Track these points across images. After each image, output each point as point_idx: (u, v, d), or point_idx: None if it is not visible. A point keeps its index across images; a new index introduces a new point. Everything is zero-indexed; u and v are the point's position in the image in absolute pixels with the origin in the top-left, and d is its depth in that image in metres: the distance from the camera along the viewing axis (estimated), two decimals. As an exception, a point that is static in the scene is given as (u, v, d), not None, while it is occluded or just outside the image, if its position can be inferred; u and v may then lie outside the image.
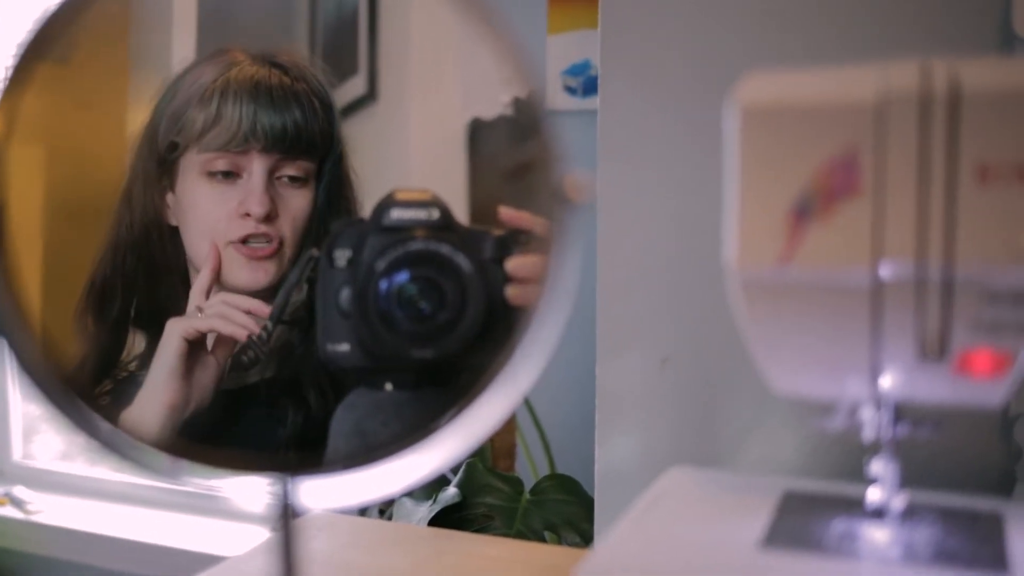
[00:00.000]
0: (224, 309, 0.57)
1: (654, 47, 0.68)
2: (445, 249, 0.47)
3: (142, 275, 0.62)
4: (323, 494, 0.38)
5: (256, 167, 0.59)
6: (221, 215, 0.60)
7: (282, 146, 0.59)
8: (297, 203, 0.60)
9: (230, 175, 0.60)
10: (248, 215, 0.59)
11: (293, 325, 0.56)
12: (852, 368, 0.45)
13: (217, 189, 0.60)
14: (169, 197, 0.61)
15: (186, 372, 0.58)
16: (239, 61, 0.60)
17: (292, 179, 0.60)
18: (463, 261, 0.47)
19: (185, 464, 0.38)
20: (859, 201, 0.42)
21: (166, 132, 0.60)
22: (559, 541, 1.16)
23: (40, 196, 0.55)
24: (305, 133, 0.60)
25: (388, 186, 0.50)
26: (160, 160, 0.61)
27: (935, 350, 0.43)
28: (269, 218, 0.59)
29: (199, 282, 0.59)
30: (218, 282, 0.59)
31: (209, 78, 0.60)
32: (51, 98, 0.46)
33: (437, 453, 0.37)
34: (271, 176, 0.59)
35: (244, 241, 0.59)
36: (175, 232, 0.62)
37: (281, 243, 0.60)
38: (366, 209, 0.59)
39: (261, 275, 0.60)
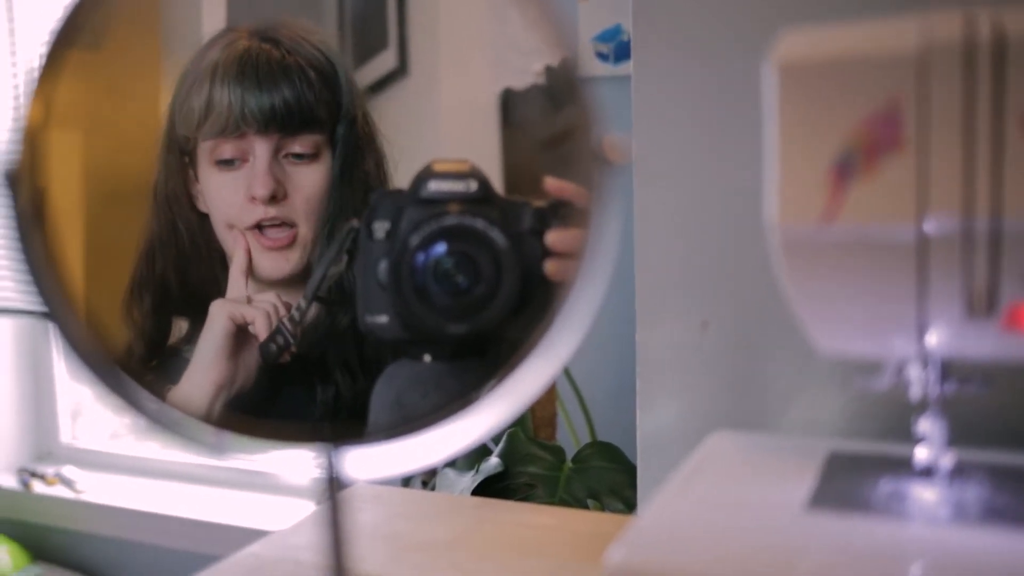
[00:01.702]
0: (272, 311, 0.57)
1: (687, 7, 0.67)
2: (479, 224, 0.47)
3: (174, 267, 0.62)
4: (367, 465, 0.38)
5: (258, 150, 0.58)
6: (234, 202, 0.59)
7: (277, 125, 0.58)
8: (308, 179, 0.59)
9: (237, 161, 0.59)
10: (255, 199, 0.58)
11: (327, 303, 0.56)
12: (898, 326, 0.45)
13: (227, 176, 0.59)
14: (197, 185, 0.61)
15: (232, 352, 0.58)
16: (235, 40, 0.59)
17: (300, 155, 0.59)
18: (497, 236, 0.47)
19: (230, 437, 0.39)
20: (902, 156, 0.41)
21: (178, 124, 0.60)
22: (602, 508, 1.17)
23: (79, 181, 0.55)
24: (299, 109, 0.58)
25: (422, 160, 0.50)
26: (181, 151, 0.61)
27: (983, 305, 0.43)
28: (277, 199, 0.59)
29: (235, 265, 0.59)
30: (251, 269, 0.59)
31: (206, 63, 0.59)
32: (85, 85, 0.46)
33: (478, 422, 0.37)
34: (276, 155, 0.59)
35: (260, 228, 0.59)
36: (208, 219, 0.62)
37: (295, 226, 0.59)
38: (394, 179, 0.59)
39: (283, 263, 0.59)
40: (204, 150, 0.59)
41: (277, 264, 0.59)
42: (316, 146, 0.59)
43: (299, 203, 0.59)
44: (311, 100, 0.58)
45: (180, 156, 0.61)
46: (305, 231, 0.59)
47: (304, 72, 0.58)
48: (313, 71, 0.59)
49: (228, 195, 0.59)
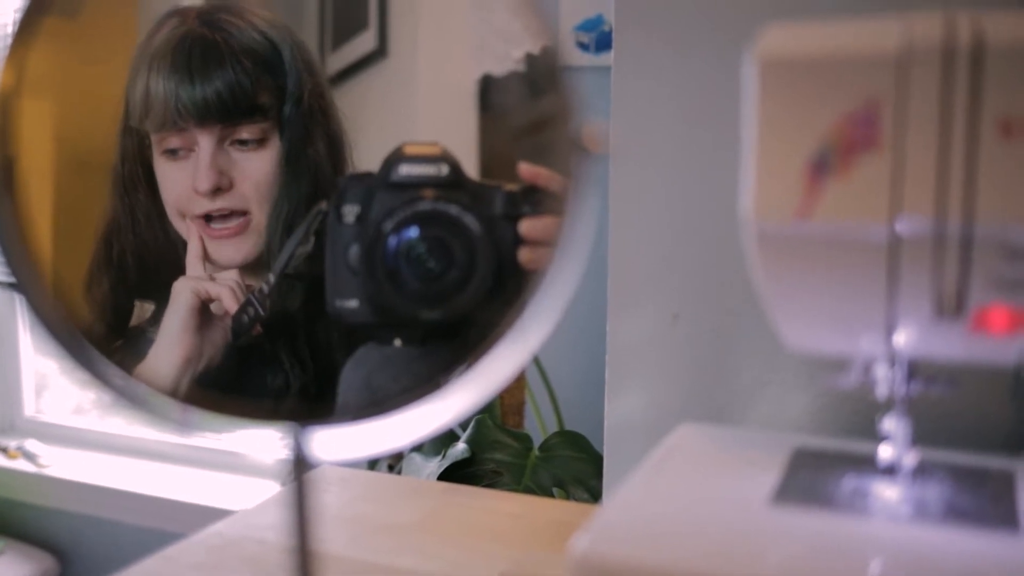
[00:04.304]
0: (236, 287, 0.57)
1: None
2: (453, 210, 0.47)
3: (136, 251, 0.61)
4: (333, 446, 0.38)
5: (202, 141, 0.57)
6: (182, 193, 0.59)
7: (215, 117, 0.57)
8: (255, 166, 0.58)
9: (182, 151, 0.58)
10: (198, 192, 0.57)
11: (297, 280, 0.56)
12: (867, 324, 0.45)
13: (176, 167, 0.58)
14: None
15: (198, 328, 0.57)
16: (179, 25, 0.58)
17: (245, 143, 0.58)
18: (471, 221, 0.47)
19: (197, 414, 0.38)
20: (878, 155, 0.42)
21: (130, 112, 0.59)
22: (567, 497, 1.17)
23: (50, 151, 0.54)
24: (235, 97, 0.57)
25: (399, 143, 0.50)
26: (138, 134, 0.60)
27: (951, 307, 0.43)
28: (222, 190, 0.58)
29: (191, 251, 0.58)
30: (207, 255, 0.59)
31: (150, 49, 0.58)
32: (59, 53, 0.46)
33: (446, 407, 0.37)
34: (222, 144, 0.58)
35: (209, 219, 0.58)
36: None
37: (245, 214, 0.58)
38: (362, 161, 0.58)
39: (233, 252, 0.58)
40: (154, 140, 0.59)
41: (229, 254, 0.58)
42: (263, 132, 0.58)
43: (248, 190, 0.57)
44: (247, 87, 0.57)
45: (139, 139, 0.60)
46: (258, 217, 0.58)
47: (239, 59, 0.57)
48: (249, 56, 0.57)
49: (176, 186, 0.58)
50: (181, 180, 0.58)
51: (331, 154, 0.58)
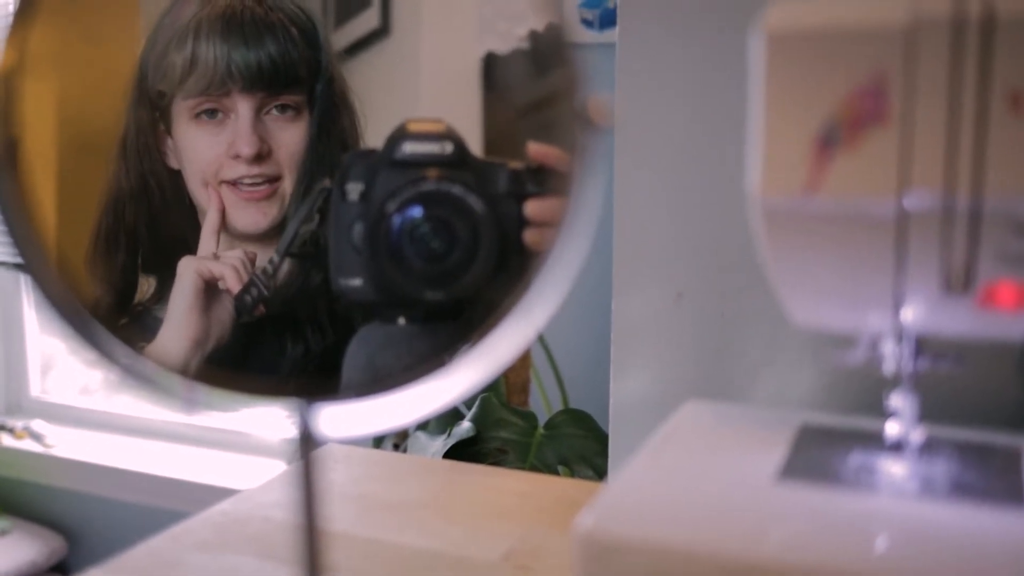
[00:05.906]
0: (240, 265, 0.57)
1: (674, -25, 0.66)
2: (457, 190, 0.47)
3: (145, 222, 0.61)
4: (339, 424, 0.38)
5: (241, 108, 0.58)
6: (213, 158, 0.59)
7: (263, 83, 0.58)
8: (291, 136, 0.59)
9: (218, 116, 0.59)
10: (239, 156, 0.58)
11: (302, 258, 0.56)
12: (874, 300, 0.45)
13: (207, 132, 0.59)
14: (169, 141, 0.61)
15: (204, 308, 0.58)
16: None
17: (282, 112, 0.59)
18: (475, 201, 0.47)
19: (204, 392, 0.38)
20: (886, 129, 0.41)
21: (153, 79, 0.59)
22: (572, 475, 1.17)
23: (53, 130, 0.54)
24: (284, 66, 0.58)
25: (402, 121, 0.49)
26: (153, 106, 0.60)
27: (959, 282, 0.43)
28: (261, 157, 0.58)
29: (208, 224, 0.59)
30: (224, 225, 0.59)
31: (185, 18, 0.58)
32: (61, 31, 0.46)
33: (451, 384, 0.37)
34: (259, 113, 0.58)
35: (238, 182, 0.59)
36: (178, 175, 0.61)
37: (278, 180, 0.59)
38: (367, 138, 0.58)
39: (260, 217, 0.59)
40: (183, 107, 0.59)
41: (254, 218, 0.59)
42: (297, 104, 0.58)
43: (284, 158, 0.58)
44: (295, 58, 0.58)
45: (151, 111, 0.60)
46: (288, 185, 0.58)
47: (287, 29, 0.58)
48: (295, 28, 0.58)
49: (207, 151, 0.59)
50: (214, 146, 0.58)
51: (353, 131, 0.58)
